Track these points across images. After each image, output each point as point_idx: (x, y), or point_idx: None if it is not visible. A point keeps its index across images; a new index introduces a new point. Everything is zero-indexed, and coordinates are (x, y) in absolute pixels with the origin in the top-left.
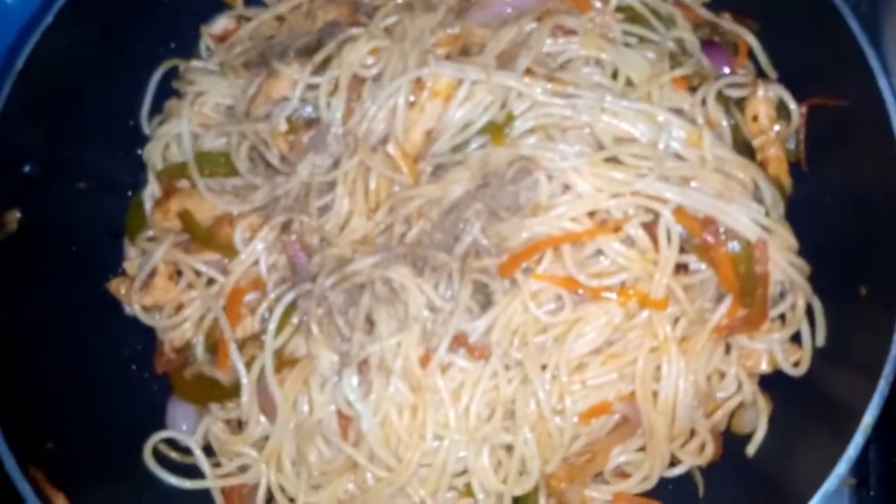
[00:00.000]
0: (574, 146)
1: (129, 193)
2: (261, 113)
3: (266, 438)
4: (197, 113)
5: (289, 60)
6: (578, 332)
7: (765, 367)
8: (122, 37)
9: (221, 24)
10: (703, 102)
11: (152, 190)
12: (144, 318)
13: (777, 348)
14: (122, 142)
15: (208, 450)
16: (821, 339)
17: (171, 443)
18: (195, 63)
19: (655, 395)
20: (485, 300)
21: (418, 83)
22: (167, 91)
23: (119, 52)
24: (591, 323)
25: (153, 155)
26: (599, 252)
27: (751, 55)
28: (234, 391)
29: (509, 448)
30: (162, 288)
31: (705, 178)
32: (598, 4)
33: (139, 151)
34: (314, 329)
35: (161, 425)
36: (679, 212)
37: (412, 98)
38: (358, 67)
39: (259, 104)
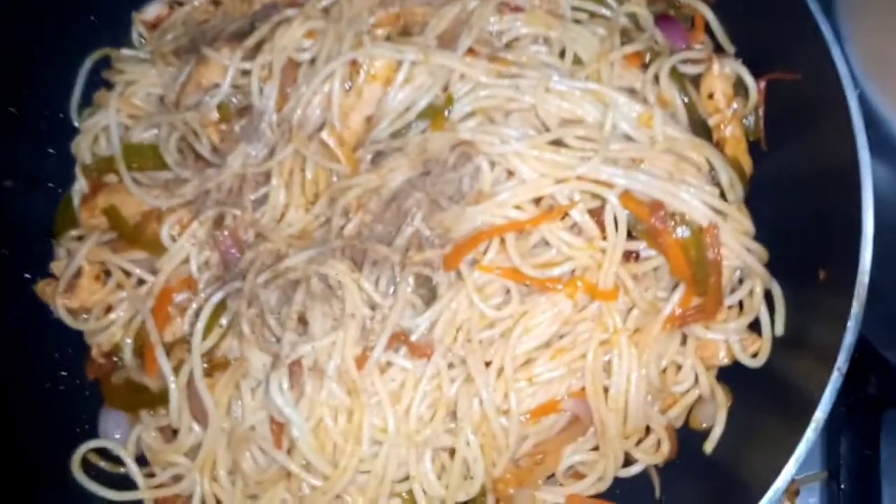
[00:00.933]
0: (517, 129)
1: (61, 191)
2: (191, 102)
3: (200, 446)
4: (126, 103)
5: (218, 45)
6: (525, 325)
7: (723, 358)
8: (51, 25)
9: (154, 10)
10: (656, 80)
11: (80, 186)
12: (70, 321)
13: (734, 338)
14: (52, 137)
15: (142, 460)
16: (780, 328)
17: (103, 452)
18: (125, 52)
19: (606, 390)
20: (429, 295)
21: (354, 66)
22: (100, 83)
23: (48, 41)
24: (539, 316)
25: (81, 149)
26: (545, 241)
27: (707, 30)
28: (164, 397)
29: (453, 452)
30: (87, 289)
31: (655, 159)
32: None
33: (71, 147)
34: (245, 329)
35: (94, 434)
36: (626, 196)
37: (349, 83)
38: (292, 51)
39: (189, 93)
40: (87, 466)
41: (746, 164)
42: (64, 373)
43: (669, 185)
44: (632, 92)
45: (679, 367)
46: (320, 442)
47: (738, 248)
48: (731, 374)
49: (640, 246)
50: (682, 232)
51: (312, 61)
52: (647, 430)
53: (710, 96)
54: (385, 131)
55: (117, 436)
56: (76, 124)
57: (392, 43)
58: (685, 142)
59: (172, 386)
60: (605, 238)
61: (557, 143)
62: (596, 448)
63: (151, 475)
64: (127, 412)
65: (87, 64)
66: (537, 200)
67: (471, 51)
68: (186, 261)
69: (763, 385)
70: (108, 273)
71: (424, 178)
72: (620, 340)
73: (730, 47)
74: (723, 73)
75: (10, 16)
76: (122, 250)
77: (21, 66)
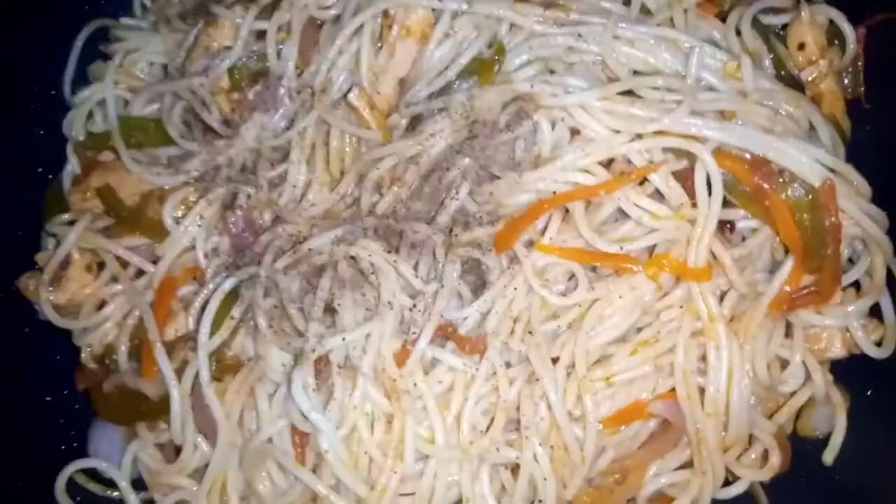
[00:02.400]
0: (583, 80)
1: (50, 177)
2: (198, 68)
3: (207, 466)
4: (126, 75)
5: (230, 3)
6: (598, 315)
7: (838, 350)
8: None
9: None
10: (738, 32)
11: (71, 167)
12: (56, 319)
13: (855, 323)
14: (41, 115)
15: (139, 483)
16: None
17: (94, 474)
18: (125, 20)
19: (702, 391)
20: (478, 281)
21: (386, 20)
22: (96, 57)
23: (39, 11)
24: (614, 303)
25: (74, 125)
26: (620, 212)
27: None
28: (164, 407)
29: (515, 468)
30: (77, 281)
31: (749, 112)
32: None
33: (63, 125)
34: (261, 323)
35: (83, 453)
36: (720, 153)
37: (379, 42)
38: (314, 8)
39: (196, 58)
40: (74, 490)
41: (845, 124)
42: (50, 382)
43: (773, 139)
44: (712, 42)
45: (785, 364)
46: (354, 456)
47: (855, 212)
48: (844, 371)
49: (738, 214)
50: (794, 192)
51: (337, 19)
52: (750, 439)
53: (801, 47)
54: (422, 92)
55: (111, 454)
56: (69, 102)
57: None
58: (780, 94)
59: (174, 392)
60: (694, 205)
61: (629, 94)
62: (688, 465)
63: (150, 501)
64: (122, 426)
65: (83, 34)
66: (608, 164)
67: None
68: (192, 247)
69: (890, 381)
70: (101, 265)
71: (471, 143)
72: (717, 329)
73: None
74: (813, 20)
75: None
76: (117, 236)
77: (8, 38)
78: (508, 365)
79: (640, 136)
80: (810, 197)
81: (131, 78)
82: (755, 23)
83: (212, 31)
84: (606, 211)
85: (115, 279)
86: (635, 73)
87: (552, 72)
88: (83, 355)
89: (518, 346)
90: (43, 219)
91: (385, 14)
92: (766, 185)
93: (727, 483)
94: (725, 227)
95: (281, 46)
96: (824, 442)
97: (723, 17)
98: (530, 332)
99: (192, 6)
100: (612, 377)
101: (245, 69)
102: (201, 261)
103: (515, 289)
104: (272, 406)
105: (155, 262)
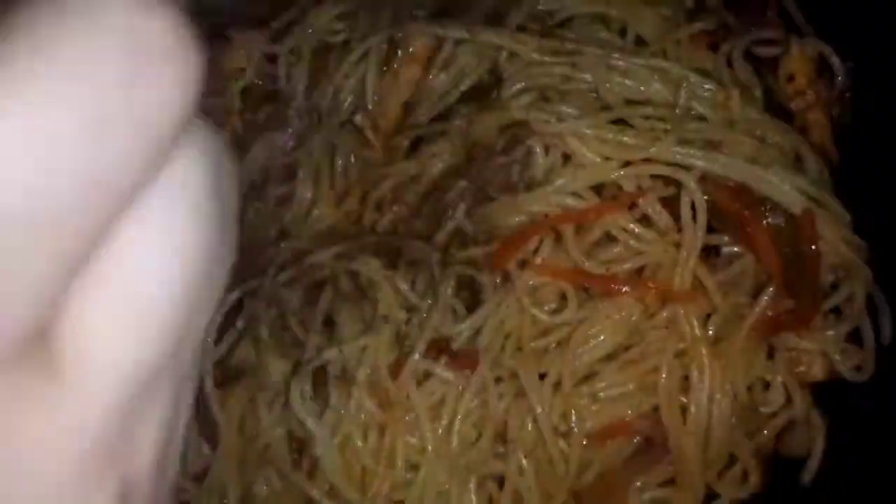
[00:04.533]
0: (576, 108)
1: None
2: (212, 88)
3: (208, 469)
4: None
5: (243, 28)
6: (586, 333)
7: (818, 373)
8: None
9: None
10: (729, 63)
11: None
12: None
13: (834, 348)
14: None
15: None
16: (886, 335)
17: None
18: None
19: (684, 410)
20: (471, 299)
21: (391, 46)
22: None
23: None
24: (602, 322)
25: None
26: (609, 235)
27: (781, 11)
28: None
29: (502, 480)
30: None
31: (735, 142)
32: None
33: None
34: (263, 333)
35: None
36: (706, 180)
37: (384, 66)
38: (324, 33)
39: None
40: None
41: (832, 153)
42: None
43: (756, 169)
44: (703, 73)
45: (767, 385)
46: (347, 463)
47: (835, 240)
48: (824, 393)
49: (722, 240)
50: (775, 219)
51: (345, 43)
52: (731, 458)
53: (790, 79)
54: (424, 116)
55: None
56: None
57: (434, 21)
58: (768, 125)
59: None
60: (680, 230)
61: (620, 122)
62: (670, 482)
63: None
64: None
65: None
66: (598, 189)
67: (520, 28)
68: None
69: (867, 404)
70: None
71: (469, 166)
72: (700, 351)
73: (808, 28)
74: (803, 54)
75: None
76: None
77: None
78: (499, 380)
79: (629, 163)
80: (790, 225)
81: None
82: (747, 54)
83: (225, 54)
84: (596, 234)
85: None
86: (628, 101)
87: (547, 99)
88: None
89: (508, 362)
90: None
91: (390, 40)
92: (748, 213)
93: (708, 500)
94: (710, 252)
95: (291, 69)
96: (803, 462)
97: (715, 49)
98: (520, 349)
99: (206, 28)
100: (597, 394)
101: (256, 91)
102: None
103: (508, 306)
104: (272, 413)
105: None
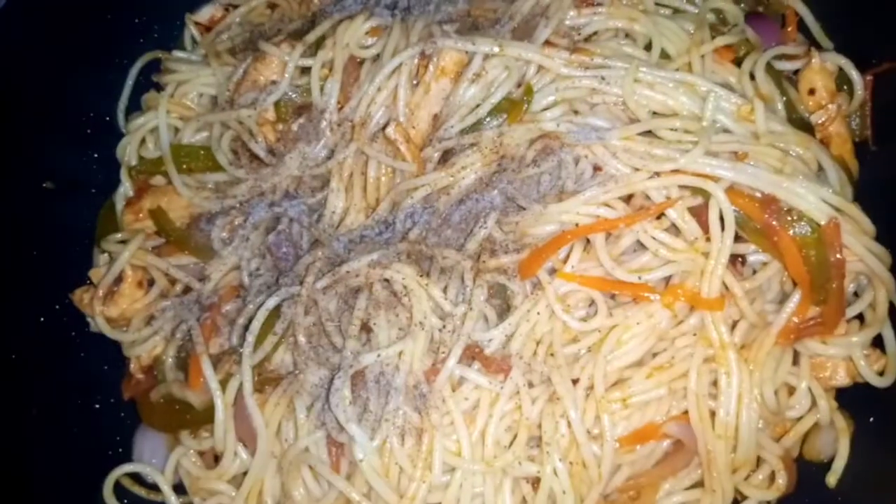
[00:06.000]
0: (605, 121)
1: (102, 197)
2: (246, 100)
3: (245, 473)
4: (177, 104)
5: (277, 41)
6: (616, 340)
7: (842, 378)
8: (100, 26)
9: (208, 11)
10: (752, 77)
11: (124, 189)
12: (108, 332)
13: (858, 353)
14: (96, 140)
15: (180, 489)
16: None
17: (138, 478)
18: (178, 53)
19: (713, 414)
20: (503, 305)
21: (422, 60)
22: (147, 87)
23: (97, 43)
24: (631, 329)
25: (127, 151)
26: (638, 244)
27: (801, 27)
28: (208, 416)
29: (536, 482)
30: (129, 296)
31: (760, 153)
32: None
33: (116, 150)
34: (301, 339)
35: (128, 458)
36: (733, 191)
37: (415, 79)
38: (355, 47)
39: (244, 90)
40: (119, 493)
41: (853, 165)
42: (98, 391)
43: (782, 179)
44: (727, 86)
45: (792, 390)
46: (385, 466)
47: (859, 249)
48: (851, 397)
49: (749, 249)
50: (801, 229)
51: (376, 58)
52: (758, 461)
53: (812, 92)
54: (454, 128)
55: (154, 461)
56: (122, 128)
57: (464, 35)
58: (791, 137)
59: (219, 401)
60: (708, 240)
61: (648, 134)
62: (699, 484)
63: None
64: (166, 433)
65: (137, 66)
66: (628, 199)
67: (548, 43)
68: (237, 266)
69: (889, 408)
70: (150, 282)
71: (500, 177)
72: (728, 357)
73: (827, 43)
74: (823, 68)
75: (57, 17)
76: (167, 255)
77: (67, 68)
78: (531, 385)
79: (658, 174)
80: (816, 234)
81: (182, 108)
82: (769, 68)
83: (260, 67)
84: (625, 243)
85: (163, 295)
86: (654, 114)
87: (576, 112)
88: (132, 366)
89: (540, 367)
90: (96, 237)
91: (422, 54)
92: (775, 223)
93: (736, 502)
94: (737, 260)
95: (324, 82)
96: (828, 465)
97: (738, 63)
98: (552, 355)
99: (241, 42)
100: (628, 399)
101: (290, 103)
102: (245, 280)
103: (539, 313)
104: (309, 417)
105: (201, 279)
